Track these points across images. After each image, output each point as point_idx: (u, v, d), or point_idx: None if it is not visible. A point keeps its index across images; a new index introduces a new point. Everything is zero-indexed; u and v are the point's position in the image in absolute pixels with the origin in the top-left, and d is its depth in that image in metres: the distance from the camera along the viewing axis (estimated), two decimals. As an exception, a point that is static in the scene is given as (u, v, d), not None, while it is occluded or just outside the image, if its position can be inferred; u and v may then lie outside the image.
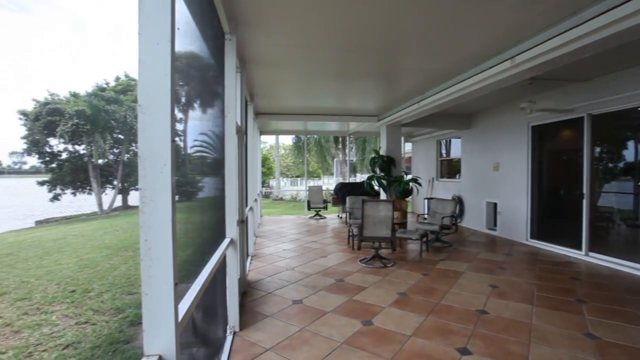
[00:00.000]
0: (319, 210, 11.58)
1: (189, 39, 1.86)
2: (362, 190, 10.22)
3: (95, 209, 21.91)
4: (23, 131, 20.36)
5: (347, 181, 14.24)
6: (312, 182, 27.09)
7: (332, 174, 31.33)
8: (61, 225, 16.49)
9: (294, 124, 11.20)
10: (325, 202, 11.67)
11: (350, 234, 6.80)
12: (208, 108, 2.55)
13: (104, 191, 22.47)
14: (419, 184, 8.35)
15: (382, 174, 8.50)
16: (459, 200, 9.36)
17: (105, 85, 23.74)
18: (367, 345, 2.95)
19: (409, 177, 8.39)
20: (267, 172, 27.66)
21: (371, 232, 5.57)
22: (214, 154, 2.66)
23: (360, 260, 5.71)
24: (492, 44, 3.93)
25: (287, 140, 33.51)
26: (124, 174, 22.77)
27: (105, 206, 22.11)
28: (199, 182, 2.33)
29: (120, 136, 22.26)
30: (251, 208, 5.85)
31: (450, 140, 10.69)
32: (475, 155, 8.89)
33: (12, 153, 21.45)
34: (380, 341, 3.01)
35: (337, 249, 6.71)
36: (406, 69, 5.07)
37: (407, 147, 13.69)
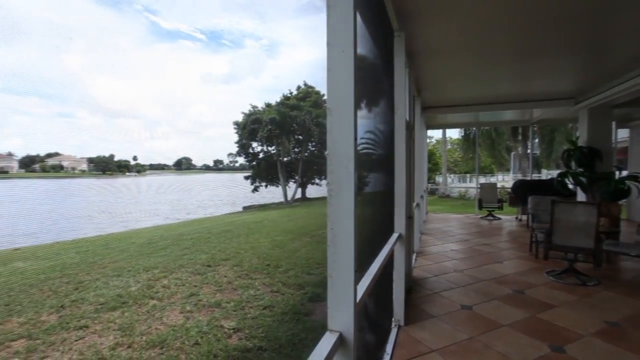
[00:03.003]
0: (493, 210, 10.31)
1: (359, 41, 1.97)
2: (548, 189, 8.49)
3: (281, 199, 26.32)
4: (236, 137, 26.46)
5: (528, 178, 12.15)
6: (484, 179, 24.34)
7: (508, 170, 27.40)
8: (259, 211, 20.56)
9: (463, 116, 10.32)
10: (500, 201, 10.30)
11: (534, 239, 5.79)
12: (374, 107, 2.65)
13: (287, 184, 26.70)
14: (642, 183, 6.28)
15: (581, 170, 6.83)
16: None
17: (289, 95, 28.06)
18: (559, 375, 2.47)
19: (624, 173, 6.44)
20: (433, 168, 26.57)
21: (564, 240, 4.59)
22: (379, 151, 2.75)
23: (548, 272, 4.79)
24: None
25: (455, 133, 31.25)
26: (303, 170, 26.42)
27: (289, 197, 26.22)
28: (366, 178, 2.46)
29: (300, 137, 25.85)
30: (417, 204, 5.76)
31: (701, 122, 7.59)
32: None
33: (229, 154, 28.02)
34: (578, 375, 2.47)
35: (515, 256, 5.84)
36: (622, 32, 3.89)
37: (620, 134, 10.53)
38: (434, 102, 7.95)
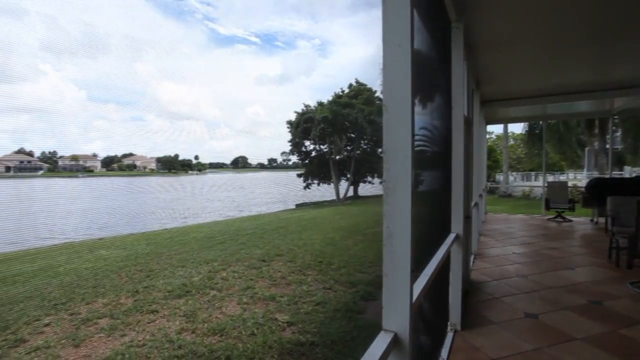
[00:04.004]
0: (562, 212, 9.40)
1: (415, 35, 1.91)
2: (633, 189, 7.52)
3: (333, 197, 26.50)
4: (289, 136, 27.13)
5: (606, 176, 10.89)
6: (552, 177, 22.30)
7: (580, 167, 24.80)
8: (311, 209, 20.91)
9: (528, 109, 9.52)
10: (571, 201, 9.36)
11: (614, 245, 5.18)
12: (429, 102, 2.56)
13: (339, 182, 26.82)
14: None
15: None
16: None
17: (341, 93, 28.11)
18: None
19: None
20: (493, 165, 24.93)
21: (653, 246, 4.05)
22: (434, 148, 2.65)
23: (632, 283, 4.26)
24: None
25: (517, 128, 29.03)
26: (355, 168, 26.36)
27: (341, 195, 26.32)
28: (420, 176, 2.39)
29: (352, 135, 25.78)
30: (476, 204, 5.46)
31: None
32: None
33: (282, 153, 28.87)
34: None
35: (590, 262, 5.28)
36: None
37: None
38: (494, 95, 7.46)
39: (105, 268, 6.29)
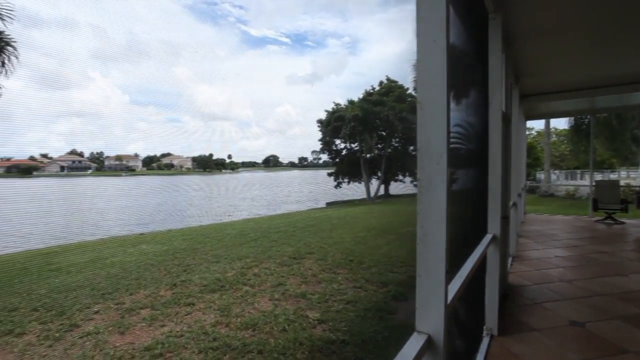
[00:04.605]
0: (613, 213, 8.73)
1: (450, 28, 1.85)
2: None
3: (364, 195, 26.30)
4: (319, 135, 27.21)
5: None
6: (601, 176, 20.79)
7: (634, 164, 22.94)
8: (342, 207, 20.87)
9: (573, 103, 8.90)
10: (623, 202, 8.67)
11: (673, 250, 4.75)
12: (463, 98, 2.47)
13: (370, 181, 26.58)
14: None
15: None
16: None
17: (371, 91, 27.78)
18: None
19: None
20: (533, 163, 23.64)
21: None
22: (468, 145, 2.56)
23: (694, 292, 3.89)
24: None
25: (560, 124, 27.35)
26: (385, 167, 26.00)
27: (372, 194, 26.07)
28: (454, 175, 2.32)
29: (383, 133, 25.44)
30: (514, 204, 5.21)
31: None
32: None
33: (313, 151, 29.04)
34: None
35: (646, 269, 4.87)
36: None
37: None
38: (535, 89, 7.06)
39: (147, 262, 6.64)
